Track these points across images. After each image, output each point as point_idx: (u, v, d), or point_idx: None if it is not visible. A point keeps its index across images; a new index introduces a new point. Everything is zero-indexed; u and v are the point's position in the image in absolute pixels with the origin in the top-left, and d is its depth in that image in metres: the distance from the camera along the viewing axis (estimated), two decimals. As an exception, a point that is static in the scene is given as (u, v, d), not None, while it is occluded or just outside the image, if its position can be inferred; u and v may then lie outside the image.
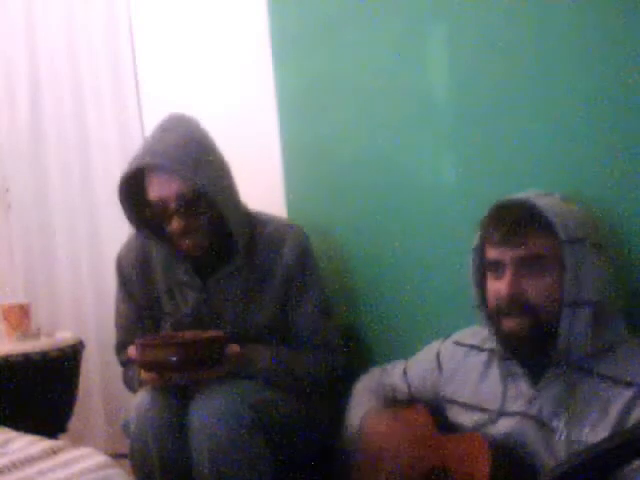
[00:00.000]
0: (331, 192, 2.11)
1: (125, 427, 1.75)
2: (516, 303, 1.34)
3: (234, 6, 2.39)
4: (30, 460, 1.48)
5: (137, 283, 1.92)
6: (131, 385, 1.90)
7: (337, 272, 2.07)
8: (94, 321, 2.78)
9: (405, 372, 1.68)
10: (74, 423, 2.55)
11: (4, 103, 2.86)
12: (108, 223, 2.76)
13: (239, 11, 2.37)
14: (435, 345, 1.64)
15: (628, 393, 1.26)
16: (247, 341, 1.79)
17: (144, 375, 1.71)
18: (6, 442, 1.59)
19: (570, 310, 1.31)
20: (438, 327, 1.75)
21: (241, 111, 2.35)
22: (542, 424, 1.34)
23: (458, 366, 1.55)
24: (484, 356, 1.51)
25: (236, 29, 2.38)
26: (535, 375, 1.39)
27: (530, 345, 1.36)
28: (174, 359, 1.63)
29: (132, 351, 1.73)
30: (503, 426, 1.39)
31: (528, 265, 1.34)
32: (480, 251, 1.43)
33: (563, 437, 1.30)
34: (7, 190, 2.90)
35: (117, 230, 2.64)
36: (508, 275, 1.35)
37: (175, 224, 1.74)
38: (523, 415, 1.37)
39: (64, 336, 2.54)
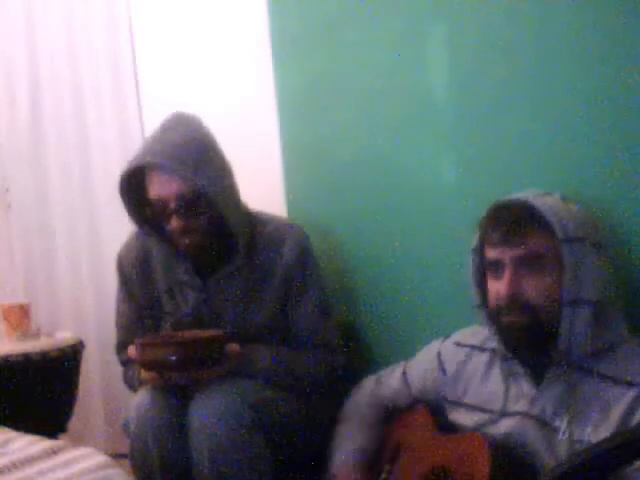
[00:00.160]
0: (331, 192, 2.11)
1: (125, 427, 1.75)
2: (515, 303, 1.34)
3: (234, 6, 2.39)
4: (30, 460, 1.48)
5: (137, 282, 1.92)
6: (131, 385, 1.90)
7: (337, 272, 2.07)
8: (94, 321, 2.78)
9: (405, 373, 1.68)
10: (74, 423, 2.55)
11: (4, 103, 2.86)
12: (108, 223, 2.76)
13: (239, 11, 2.37)
14: (435, 345, 1.63)
15: (630, 393, 1.26)
16: (247, 341, 1.79)
17: (144, 374, 1.71)
18: (6, 442, 1.59)
19: (570, 310, 1.31)
20: (438, 327, 1.75)
21: (241, 111, 2.35)
22: (544, 424, 1.34)
23: (460, 367, 1.54)
24: (485, 356, 1.51)
25: (236, 29, 2.38)
26: (537, 375, 1.39)
27: (530, 343, 1.36)
28: (174, 358, 1.63)
29: (132, 351, 1.73)
30: (505, 426, 1.39)
31: (527, 265, 1.34)
32: (480, 251, 1.43)
33: (565, 437, 1.30)
34: (7, 190, 2.90)
35: (117, 230, 2.64)
36: (507, 275, 1.35)
37: (175, 223, 1.74)
38: (525, 415, 1.37)
39: (64, 336, 2.53)
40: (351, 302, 2.06)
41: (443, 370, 1.58)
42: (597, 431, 1.26)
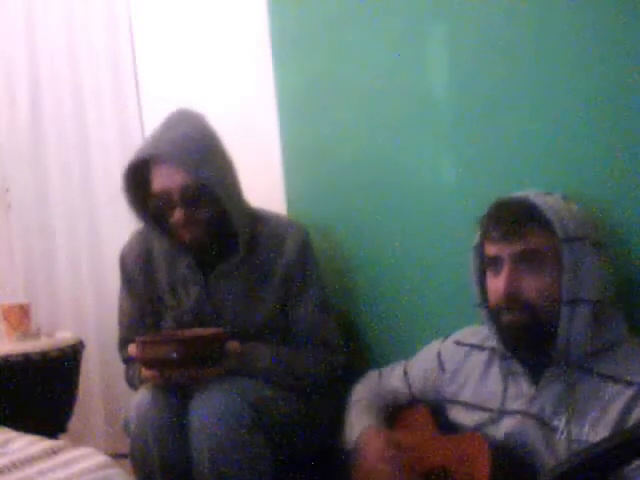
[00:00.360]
0: (331, 192, 2.11)
1: (125, 426, 1.75)
2: (514, 301, 1.34)
3: (234, 6, 2.39)
4: (30, 460, 1.48)
5: (140, 280, 1.93)
6: (132, 383, 1.91)
7: (337, 272, 2.07)
8: (94, 321, 2.78)
9: (405, 373, 1.68)
10: (74, 423, 2.55)
11: (4, 103, 2.86)
12: (108, 223, 2.76)
13: (239, 11, 2.37)
14: (435, 345, 1.64)
15: (628, 392, 1.26)
16: (247, 338, 1.79)
17: (145, 372, 1.72)
18: (6, 442, 1.59)
19: (569, 309, 1.31)
20: (438, 327, 1.75)
21: (241, 111, 2.35)
22: (543, 423, 1.34)
23: (459, 366, 1.55)
24: (485, 355, 1.51)
25: (236, 29, 2.38)
26: (535, 374, 1.39)
27: (529, 342, 1.36)
28: (175, 356, 1.63)
29: (132, 349, 1.74)
30: (504, 425, 1.39)
31: (526, 262, 1.34)
32: (480, 249, 1.43)
33: (564, 436, 1.30)
34: (7, 190, 2.90)
35: (117, 230, 2.64)
36: (506, 271, 1.35)
37: (178, 215, 1.75)
38: (524, 414, 1.37)
39: (64, 336, 2.53)
40: (351, 302, 2.06)
41: (443, 369, 1.58)
42: (595, 430, 1.26)
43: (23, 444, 1.57)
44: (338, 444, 1.68)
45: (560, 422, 1.32)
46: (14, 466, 1.45)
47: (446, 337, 1.63)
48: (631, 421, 1.23)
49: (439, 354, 1.60)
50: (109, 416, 2.76)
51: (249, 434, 1.63)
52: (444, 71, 1.81)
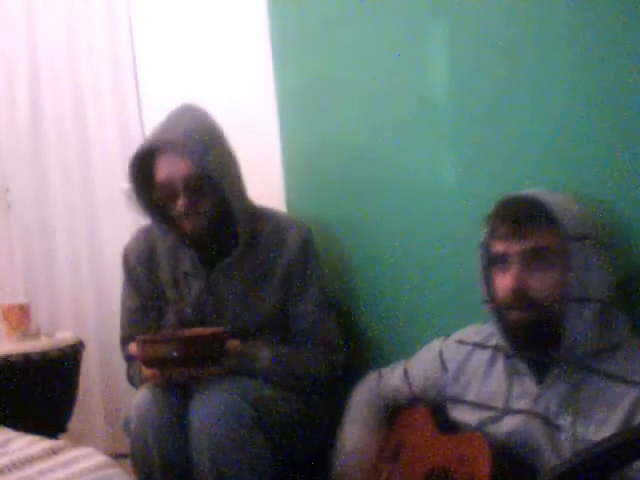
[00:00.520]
0: (331, 192, 2.11)
1: (125, 426, 1.75)
2: (521, 297, 1.34)
3: (234, 6, 2.39)
4: (30, 460, 1.48)
5: (143, 276, 1.94)
6: (133, 381, 1.91)
7: (337, 272, 2.07)
8: (94, 321, 2.78)
9: (405, 372, 1.68)
10: (74, 423, 2.55)
11: (4, 103, 2.86)
12: (108, 223, 2.76)
13: (239, 11, 2.37)
14: (436, 344, 1.63)
15: (634, 392, 1.26)
16: (248, 337, 1.79)
17: (145, 372, 1.72)
18: (6, 442, 1.59)
19: (576, 307, 1.31)
20: (438, 327, 1.75)
21: (241, 111, 2.35)
22: (548, 422, 1.34)
23: (462, 365, 1.54)
24: (487, 354, 1.51)
25: (236, 29, 2.38)
26: (540, 373, 1.38)
27: (534, 339, 1.36)
28: (175, 355, 1.64)
29: (133, 348, 1.74)
30: (508, 424, 1.39)
31: (534, 259, 1.34)
32: (487, 247, 1.43)
33: (569, 435, 1.30)
34: (7, 190, 2.90)
35: (117, 230, 2.65)
36: (514, 269, 1.35)
37: (181, 203, 1.77)
38: (528, 413, 1.37)
39: (64, 336, 2.54)
40: (351, 302, 2.06)
41: (445, 368, 1.57)
42: (601, 430, 1.26)
43: (23, 444, 1.57)
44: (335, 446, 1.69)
45: (565, 421, 1.31)
46: (14, 466, 1.45)
47: (447, 336, 1.63)
48: (637, 422, 1.23)
49: (441, 353, 1.60)
50: (109, 416, 2.76)
51: (249, 434, 1.63)
52: (444, 71, 1.81)
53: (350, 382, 1.79)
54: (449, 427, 1.52)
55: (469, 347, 1.55)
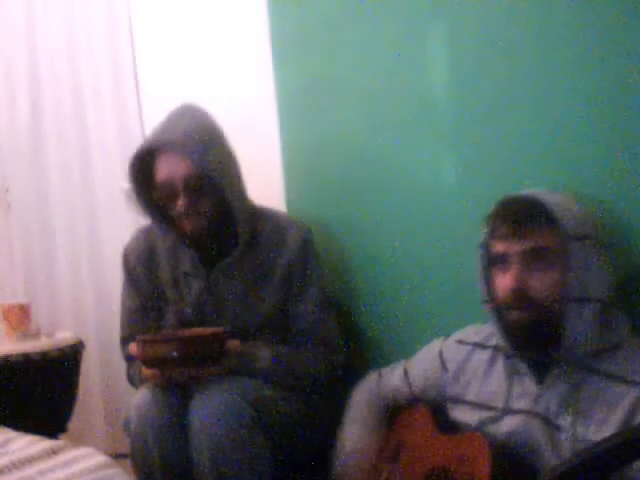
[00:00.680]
0: (331, 192, 2.11)
1: (125, 426, 1.75)
2: (521, 297, 1.34)
3: (234, 6, 2.39)
4: (30, 460, 1.48)
5: (143, 275, 1.94)
6: (133, 381, 1.91)
7: (337, 272, 2.07)
8: (94, 321, 2.78)
9: (405, 372, 1.68)
10: (74, 423, 2.55)
11: (4, 103, 2.86)
12: (108, 223, 2.76)
13: (239, 11, 2.37)
14: (436, 344, 1.63)
15: (634, 392, 1.26)
16: (248, 337, 1.80)
17: (145, 372, 1.72)
18: (6, 442, 1.59)
19: (576, 307, 1.31)
20: (438, 327, 1.75)
21: (241, 111, 2.35)
22: (548, 422, 1.34)
23: (462, 365, 1.54)
24: (487, 354, 1.51)
25: (236, 29, 2.38)
26: (540, 373, 1.38)
27: (534, 339, 1.36)
28: (175, 355, 1.64)
29: (133, 348, 1.74)
30: (508, 424, 1.39)
31: (534, 259, 1.34)
32: (487, 247, 1.43)
33: (569, 435, 1.30)
34: (7, 190, 2.90)
35: (117, 230, 2.65)
36: (514, 268, 1.35)
37: (180, 203, 1.77)
38: (528, 413, 1.37)
39: (64, 336, 2.54)
40: (351, 302, 2.06)
41: (445, 368, 1.57)
42: (601, 430, 1.26)
43: (23, 444, 1.57)
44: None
45: (565, 421, 1.31)
46: (14, 466, 1.45)
47: (447, 336, 1.63)
48: (637, 422, 1.23)
49: (441, 353, 1.60)
50: (109, 416, 2.76)
51: (249, 434, 1.63)
52: (444, 71, 1.81)
53: (350, 382, 1.79)
54: (449, 427, 1.52)
55: (469, 347, 1.55)
